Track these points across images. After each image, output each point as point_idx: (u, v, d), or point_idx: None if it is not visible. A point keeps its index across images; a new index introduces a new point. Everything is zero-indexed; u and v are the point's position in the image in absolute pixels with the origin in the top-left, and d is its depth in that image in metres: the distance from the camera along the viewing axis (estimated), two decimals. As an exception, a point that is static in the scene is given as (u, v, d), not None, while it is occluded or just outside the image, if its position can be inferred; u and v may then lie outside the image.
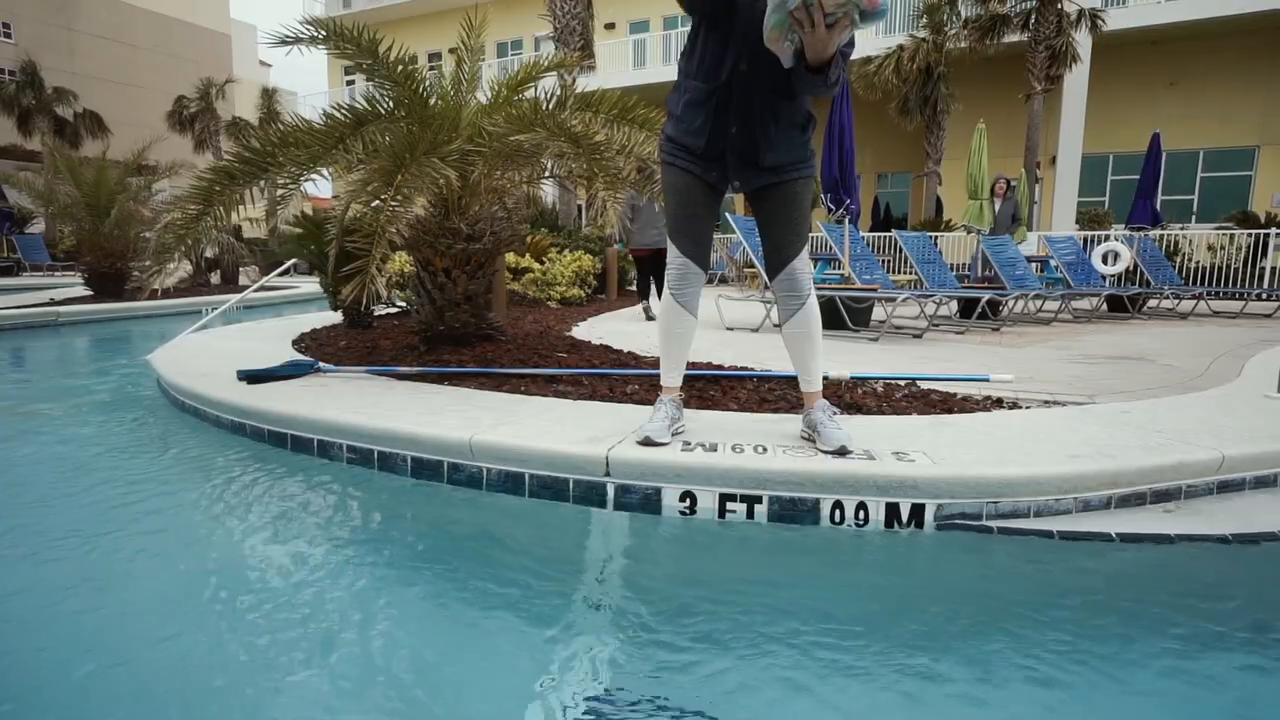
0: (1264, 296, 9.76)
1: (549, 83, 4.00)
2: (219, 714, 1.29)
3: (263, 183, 3.23)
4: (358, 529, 2.20)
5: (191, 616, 1.62)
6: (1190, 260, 11.49)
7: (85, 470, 2.70)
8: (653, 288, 7.14)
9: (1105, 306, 8.41)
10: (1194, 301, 8.89)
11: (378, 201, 3.07)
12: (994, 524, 2.07)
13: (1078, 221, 15.17)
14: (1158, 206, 11.94)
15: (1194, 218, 15.80)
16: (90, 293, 9.50)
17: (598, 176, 3.15)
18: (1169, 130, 12.56)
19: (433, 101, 3.63)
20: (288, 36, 3.33)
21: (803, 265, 2.33)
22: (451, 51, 4.10)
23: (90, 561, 1.91)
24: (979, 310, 6.61)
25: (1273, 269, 11.25)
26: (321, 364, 3.74)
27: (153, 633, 1.56)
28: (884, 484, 2.07)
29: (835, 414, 2.40)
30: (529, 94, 3.79)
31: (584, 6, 11.56)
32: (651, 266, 7.08)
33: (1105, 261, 9.43)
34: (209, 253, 12.06)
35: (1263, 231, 11.50)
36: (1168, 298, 8.82)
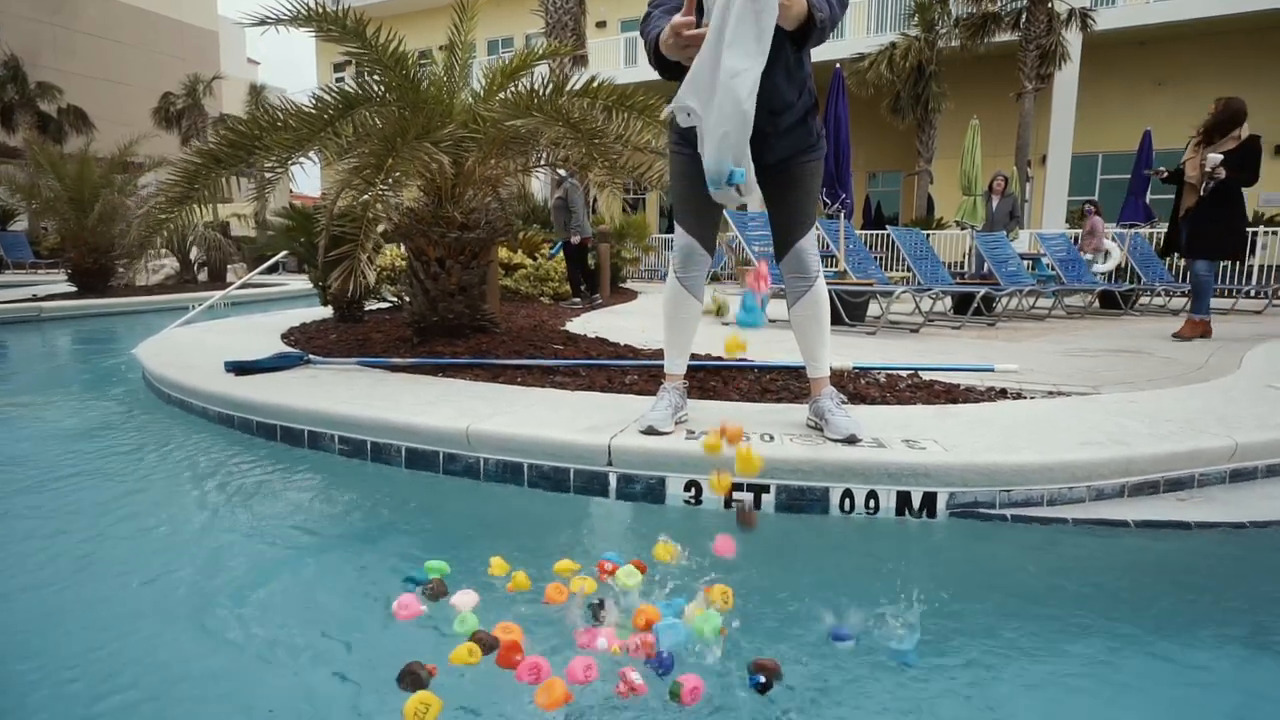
0: (1252, 294, 9.81)
1: (542, 71, 3.93)
2: (207, 711, 1.21)
3: (249, 168, 3.14)
4: (350, 521, 2.12)
5: (176, 610, 1.54)
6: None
7: (65, 463, 2.59)
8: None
9: (1097, 303, 8.41)
10: (1185, 298, 8.90)
11: (371, 190, 2.98)
12: (1007, 512, 2.02)
13: (1068, 220, 15.25)
14: (1148, 203, 12.01)
15: (1183, 216, 15.88)
16: (74, 289, 9.32)
17: (596, 162, 3.07)
18: (1157, 129, 12.63)
19: (424, 86, 3.55)
20: (269, 17, 3.23)
21: (809, 246, 2.27)
22: (442, 49, 4.01)
23: (68, 554, 1.82)
24: (974, 306, 6.59)
25: (1261, 267, 11.31)
26: (311, 355, 3.64)
27: (135, 627, 1.48)
28: (895, 472, 2.02)
29: (843, 402, 2.34)
30: (524, 81, 3.72)
31: (576, 2, 11.50)
32: (581, 255, 8.03)
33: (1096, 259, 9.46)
34: (195, 253, 11.87)
35: (1250, 230, 11.57)
36: (1159, 294, 8.85)
